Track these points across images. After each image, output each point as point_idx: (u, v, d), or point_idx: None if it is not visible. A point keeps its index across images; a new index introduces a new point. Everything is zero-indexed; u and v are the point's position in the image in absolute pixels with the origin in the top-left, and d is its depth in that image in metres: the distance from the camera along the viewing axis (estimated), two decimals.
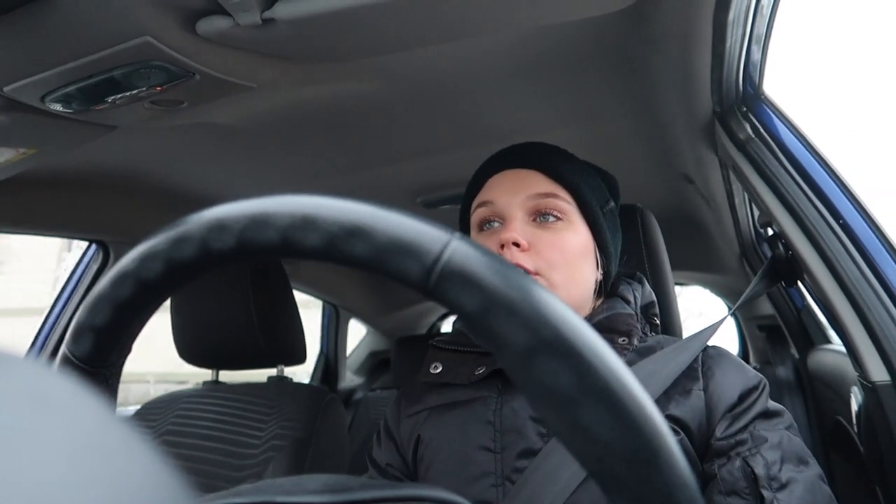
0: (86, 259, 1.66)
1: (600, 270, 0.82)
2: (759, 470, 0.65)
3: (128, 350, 0.37)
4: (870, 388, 0.86)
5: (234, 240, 0.30)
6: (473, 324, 0.28)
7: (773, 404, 0.73)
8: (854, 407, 1.09)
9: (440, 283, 0.28)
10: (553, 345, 0.26)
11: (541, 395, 0.27)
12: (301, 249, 0.29)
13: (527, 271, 0.73)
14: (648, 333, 0.84)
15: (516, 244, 0.75)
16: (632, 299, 0.83)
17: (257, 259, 0.31)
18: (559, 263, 0.76)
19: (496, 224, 0.80)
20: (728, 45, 0.88)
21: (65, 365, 0.35)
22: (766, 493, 0.64)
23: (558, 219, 0.78)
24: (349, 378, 2.87)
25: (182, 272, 0.32)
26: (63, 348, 0.35)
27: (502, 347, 0.27)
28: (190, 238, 0.31)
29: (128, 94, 0.88)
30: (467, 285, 0.27)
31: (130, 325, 0.34)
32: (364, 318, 2.86)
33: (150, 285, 0.32)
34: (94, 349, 0.34)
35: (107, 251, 1.63)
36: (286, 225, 0.29)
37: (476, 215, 0.82)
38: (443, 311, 3.21)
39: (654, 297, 0.87)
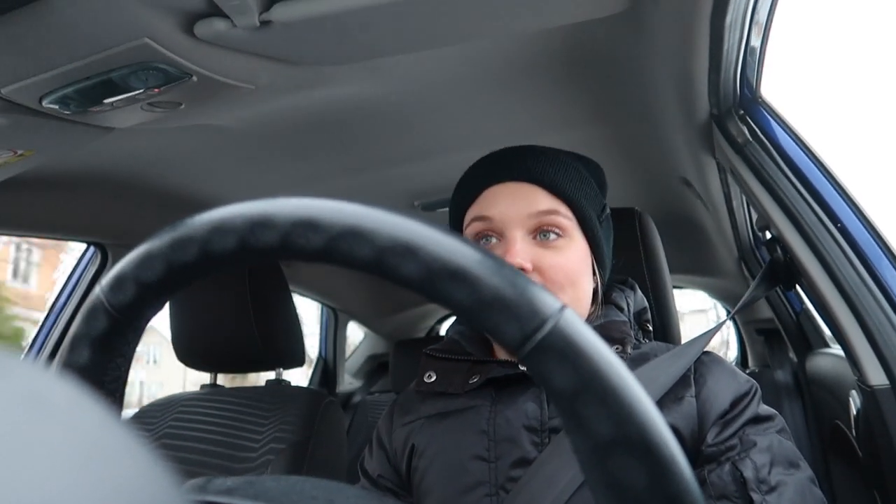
0: (83, 261, 1.66)
1: (597, 278, 0.82)
2: (749, 473, 0.65)
3: (162, 306, 0.36)
4: (868, 393, 0.86)
5: (324, 242, 0.29)
6: (559, 401, 0.27)
7: (764, 409, 0.72)
8: (853, 411, 1.09)
9: (535, 352, 0.27)
10: (635, 443, 0.26)
11: (608, 487, 0.27)
12: (394, 274, 0.28)
13: None
14: (642, 340, 0.84)
15: (521, 269, 0.73)
16: (625, 306, 0.82)
17: (350, 267, 0.29)
18: (564, 285, 0.75)
19: (493, 240, 0.78)
20: (725, 48, 0.88)
21: (96, 309, 0.34)
22: (755, 496, 0.64)
23: (559, 236, 0.77)
24: (347, 381, 2.87)
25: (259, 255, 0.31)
26: (98, 293, 0.34)
27: (582, 433, 0.27)
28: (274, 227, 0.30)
29: (125, 95, 0.88)
30: (563, 363, 0.27)
31: (178, 285, 0.33)
32: (362, 321, 2.85)
33: (215, 255, 0.31)
34: (135, 300, 0.33)
35: (105, 253, 1.63)
36: (384, 247, 0.28)
37: (471, 229, 0.79)
38: (441, 314, 3.21)
39: (646, 303, 0.87)
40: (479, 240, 0.79)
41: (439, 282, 0.28)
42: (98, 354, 0.35)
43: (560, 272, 0.75)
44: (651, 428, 0.26)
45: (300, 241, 0.29)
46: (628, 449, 0.26)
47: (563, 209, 0.77)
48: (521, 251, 0.74)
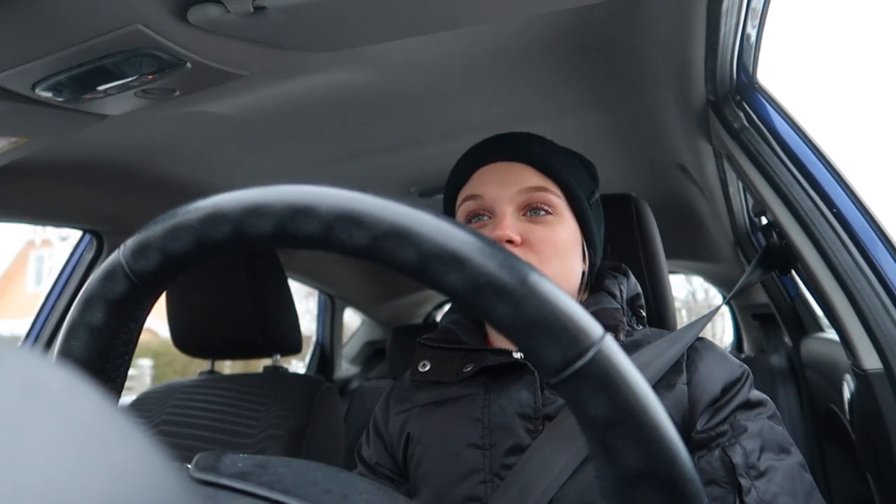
0: (79, 249, 1.65)
1: (586, 262, 0.82)
2: (738, 459, 0.66)
3: (180, 277, 0.35)
4: (862, 376, 0.87)
5: (367, 240, 0.28)
6: (590, 429, 0.27)
7: (755, 394, 0.73)
8: (846, 395, 1.10)
9: (573, 378, 0.27)
10: (663, 479, 0.26)
11: None
12: (436, 282, 0.28)
13: None
14: (635, 326, 0.84)
15: (510, 241, 0.74)
16: (618, 293, 0.83)
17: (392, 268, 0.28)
18: (551, 257, 0.76)
19: (485, 218, 0.79)
20: (722, 33, 0.88)
21: (115, 271, 0.34)
22: (743, 481, 0.64)
23: (548, 213, 0.78)
24: (345, 367, 2.87)
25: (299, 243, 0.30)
26: (118, 257, 0.34)
27: (610, 462, 0.27)
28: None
29: (119, 82, 0.87)
30: (600, 392, 0.27)
31: (204, 259, 0.33)
32: (360, 308, 2.86)
33: (247, 236, 0.30)
34: (157, 269, 0.33)
35: (100, 241, 1.62)
36: (430, 253, 0.27)
37: (463, 208, 0.81)
38: (438, 300, 3.21)
39: (639, 290, 0.87)
40: (471, 219, 0.81)
41: (483, 295, 0.27)
42: (112, 316, 0.35)
43: (547, 244, 0.76)
44: (680, 465, 0.27)
45: (342, 235, 0.29)
46: (655, 483, 0.26)
47: (552, 187, 0.79)
48: (510, 225, 0.76)
